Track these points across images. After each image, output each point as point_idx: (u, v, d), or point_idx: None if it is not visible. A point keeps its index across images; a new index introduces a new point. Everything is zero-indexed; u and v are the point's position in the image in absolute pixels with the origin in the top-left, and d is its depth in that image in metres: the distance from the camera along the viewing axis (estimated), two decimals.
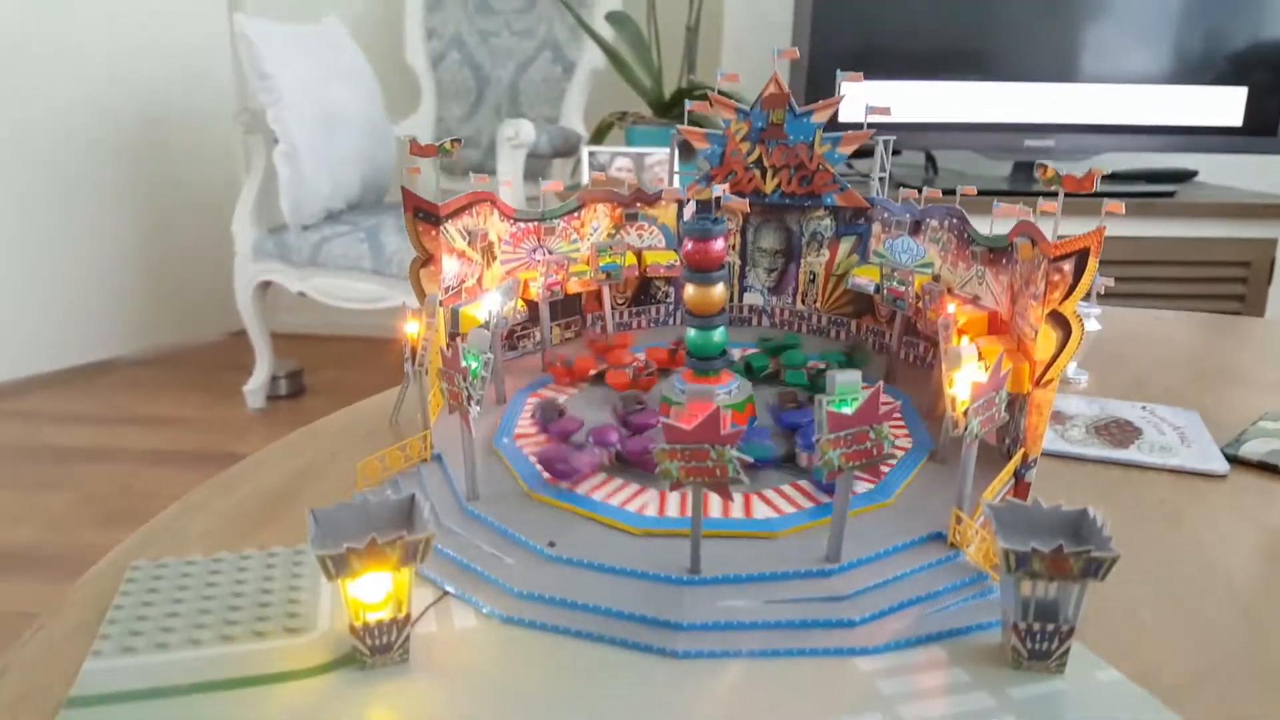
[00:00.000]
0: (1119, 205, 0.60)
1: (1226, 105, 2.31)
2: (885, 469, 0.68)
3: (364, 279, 2.48)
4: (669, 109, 2.30)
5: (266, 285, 2.65)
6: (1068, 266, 0.61)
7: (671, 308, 0.97)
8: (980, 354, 0.60)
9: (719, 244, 0.67)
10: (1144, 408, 0.90)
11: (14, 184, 2.67)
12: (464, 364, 0.61)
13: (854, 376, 0.54)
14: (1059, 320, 0.62)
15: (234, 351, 3.03)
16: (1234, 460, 0.79)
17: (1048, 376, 0.63)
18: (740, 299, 0.97)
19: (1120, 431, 0.85)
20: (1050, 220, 0.63)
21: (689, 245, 0.67)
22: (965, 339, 0.67)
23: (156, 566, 0.62)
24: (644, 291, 0.96)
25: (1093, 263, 0.60)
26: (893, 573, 0.58)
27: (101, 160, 2.83)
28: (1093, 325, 0.97)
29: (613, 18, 2.40)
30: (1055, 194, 0.62)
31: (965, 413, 0.56)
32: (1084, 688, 0.51)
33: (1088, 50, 2.27)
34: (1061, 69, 2.26)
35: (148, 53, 2.86)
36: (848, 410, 0.53)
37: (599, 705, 0.49)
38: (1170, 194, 2.26)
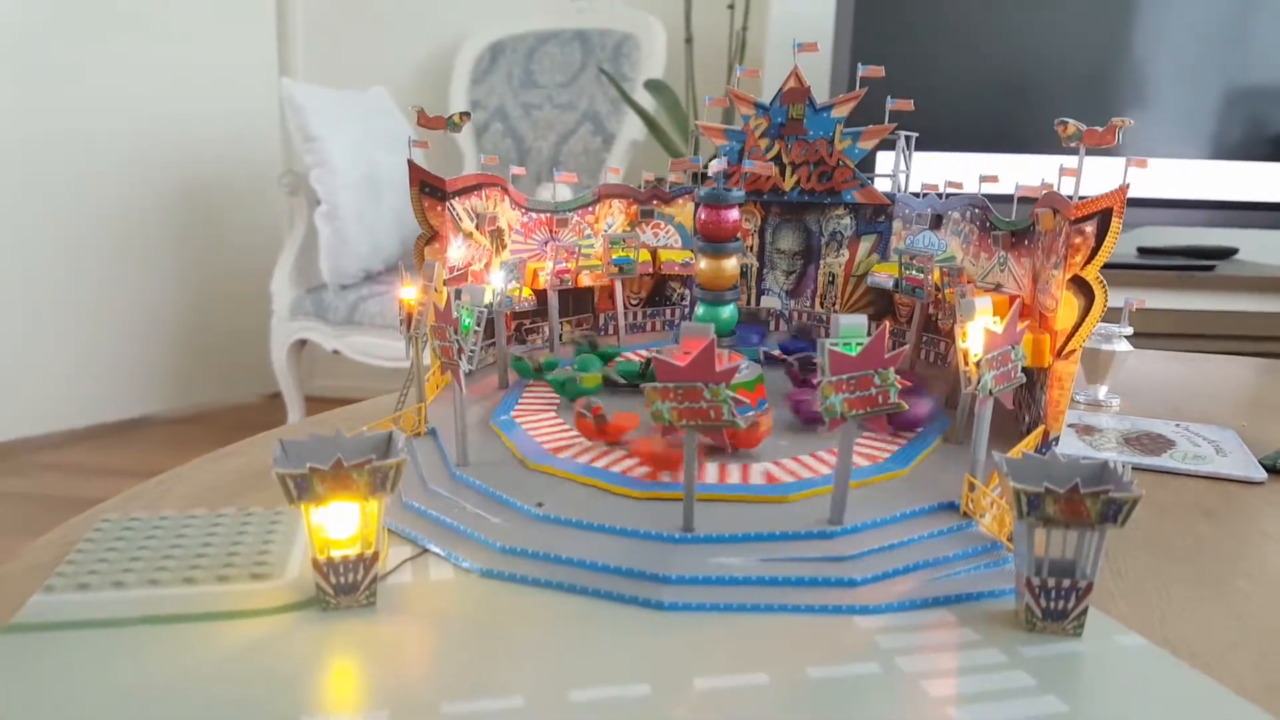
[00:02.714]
0: (1144, 161, 0.58)
1: (1268, 181, 2.28)
2: (898, 442, 0.64)
3: (399, 337, 2.49)
4: (706, 175, 2.32)
5: (302, 344, 2.67)
6: (1090, 228, 0.58)
7: (686, 310, 0.94)
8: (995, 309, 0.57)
9: (734, 213, 0.65)
10: (1177, 425, 0.85)
11: (60, 240, 2.73)
12: (455, 315, 0.59)
13: (859, 320, 0.52)
14: (1081, 286, 0.59)
15: (268, 412, 3.05)
16: (1272, 470, 0.74)
17: (1070, 347, 0.60)
18: (757, 302, 0.95)
19: (1153, 443, 0.80)
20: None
21: (702, 214, 0.65)
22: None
23: (127, 519, 0.60)
24: (658, 293, 0.94)
25: (1116, 224, 0.57)
26: (899, 537, 0.54)
27: (145, 219, 2.90)
28: (1123, 346, 0.93)
29: (651, 85, 2.44)
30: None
31: (978, 364, 0.53)
32: (1103, 650, 0.46)
33: (1134, 123, 2.25)
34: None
35: (197, 115, 2.95)
36: (852, 353, 0.50)
37: (575, 653, 0.45)
38: (1210, 268, 2.22)
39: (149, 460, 2.72)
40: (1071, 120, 0.58)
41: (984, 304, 0.55)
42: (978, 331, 0.54)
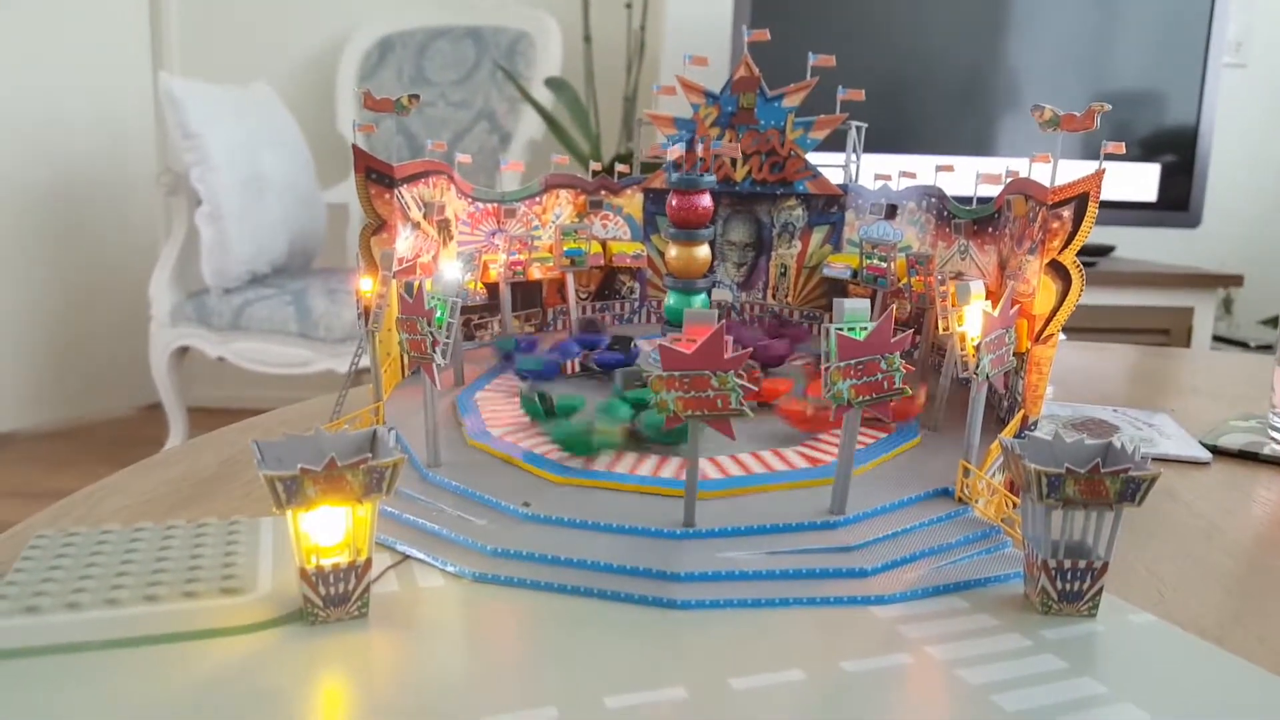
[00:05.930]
0: (1120, 145, 0.59)
1: (1141, 181, 2.41)
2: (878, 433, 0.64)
3: (289, 342, 2.38)
4: (608, 174, 2.31)
5: (184, 352, 2.53)
6: (1067, 213, 0.59)
7: (636, 304, 0.92)
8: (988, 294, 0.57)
9: (706, 199, 0.63)
10: (1115, 410, 0.88)
11: None
12: (430, 306, 0.55)
13: (862, 303, 0.51)
14: (1059, 271, 0.59)
15: (146, 425, 2.88)
16: (1214, 450, 0.77)
17: (1048, 331, 0.60)
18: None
19: (1098, 428, 0.82)
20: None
21: (674, 200, 0.63)
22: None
23: (65, 535, 0.54)
24: (608, 286, 0.92)
25: (1092, 208, 0.58)
26: (900, 525, 0.53)
27: (10, 219, 2.71)
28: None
29: (551, 82, 2.41)
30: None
31: (977, 348, 0.53)
32: (1120, 630, 0.46)
33: (1005, 127, 2.34)
34: (979, 144, 2.33)
35: (65, 112, 2.77)
36: (859, 338, 0.49)
37: (598, 658, 0.43)
38: (1092, 264, 2.33)
39: (20, 479, 2.52)
40: (1048, 105, 0.59)
41: (979, 287, 0.55)
42: (976, 315, 0.53)
